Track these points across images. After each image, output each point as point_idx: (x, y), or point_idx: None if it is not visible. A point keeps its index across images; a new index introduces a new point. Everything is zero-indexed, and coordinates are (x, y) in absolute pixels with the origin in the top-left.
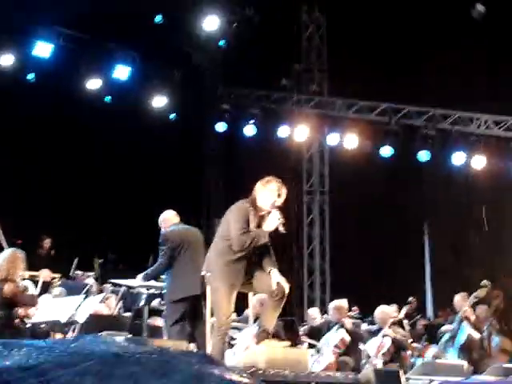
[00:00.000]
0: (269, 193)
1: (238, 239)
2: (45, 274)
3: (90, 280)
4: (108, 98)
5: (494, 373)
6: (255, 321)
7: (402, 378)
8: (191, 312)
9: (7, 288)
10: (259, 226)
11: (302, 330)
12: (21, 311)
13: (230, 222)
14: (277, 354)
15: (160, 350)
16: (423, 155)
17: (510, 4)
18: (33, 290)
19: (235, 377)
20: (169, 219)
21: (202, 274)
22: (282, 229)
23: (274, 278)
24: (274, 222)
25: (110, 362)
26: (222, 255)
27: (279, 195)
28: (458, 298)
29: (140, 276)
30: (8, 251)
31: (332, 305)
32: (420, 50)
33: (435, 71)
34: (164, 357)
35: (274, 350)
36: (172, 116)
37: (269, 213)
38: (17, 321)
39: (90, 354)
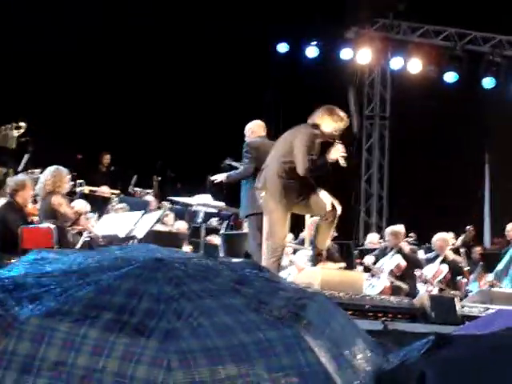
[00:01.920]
0: (334, 122)
1: (304, 161)
2: (104, 190)
3: (149, 197)
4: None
5: None
6: (311, 243)
7: (458, 305)
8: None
9: (54, 198)
10: (321, 154)
11: (358, 254)
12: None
13: (297, 146)
14: (332, 276)
15: (208, 257)
16: (488, 82)
17: None
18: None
19: (283, 282)
20: (256, 130)
21: (258, 193)
22: (343, 162)
23: (325, 199)
24: (336, 153)
25: (151, 267)
26: (281, 177)
27: (344, 125)
28: (510, 228)
29: (222, 174)
30: (51, 168)
31: (389, 230)
32: None
33: None
34: (209, 262)
35: (330, 271)
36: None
37: (331, 144)
38: (72, 232)
39: (133, 259)
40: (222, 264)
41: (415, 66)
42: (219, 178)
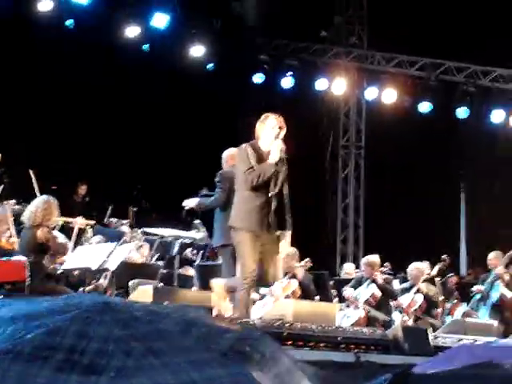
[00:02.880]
0: (269, 129)
1: (246, 178)
2: (79, 221)
3: (125, 227)
4: (146, 47)
5: None
6: (285, 274)
7: (430, 336)
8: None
9: (40, 233)
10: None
11: (333, 284)
12: (52, 259)
13: (236, 168)
14: (304, 308)
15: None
16: (462, 112)
17: None
18: (62, 239)
19: (229, 325)
20: (230, 160)
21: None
22: (283, 154)
23: (282, 247)
24: (276, 151)
25: (99, 310)
26: (243, 203)
27: (280, 128)
28: (492, 256)
29: (194, 200)
30: (42, 198)
31: (364, 260)
32: (461, 5)
33: (476, 27)
34: (157, 307)
35: (302, 303)
36: (210, 66)
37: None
38: (51, 267)
39: (81, 303)
40: (169, 308)
41: (390, 95)
42: (191, 203)
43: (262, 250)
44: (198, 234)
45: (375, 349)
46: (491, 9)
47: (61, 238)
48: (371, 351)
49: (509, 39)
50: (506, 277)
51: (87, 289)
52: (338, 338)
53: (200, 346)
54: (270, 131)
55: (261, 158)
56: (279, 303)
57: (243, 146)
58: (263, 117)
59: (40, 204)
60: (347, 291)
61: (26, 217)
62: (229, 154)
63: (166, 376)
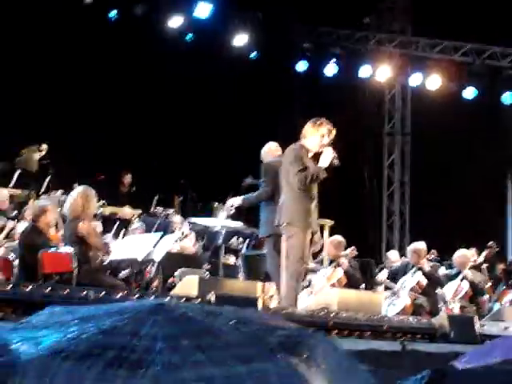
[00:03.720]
0: (319, 136)
1: (298, 178)
2: (126, 212)
3: (175, 217)
4: (189, 37)
5: None
6: (330, 263)
7: (477, 324)
8: None
9: (81, 226)
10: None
11: (379, 271)
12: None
13: (287, 167)
14: (349, 297)
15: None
16: (507, 97)
17: None
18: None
19: (282, 322)
20: (270, 152)
21: (276, 223)
22: (336, 161)
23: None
24: (327, 157)
25: (153, 311)
26: (299, 203)
27: (329, 137)
28: None
29: (239, 198)
30: (80, 188)
31: (410, 247)
32: None
33: None
34: (210, 307)
35: (347, 292)
36: (253, 55)
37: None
38: (98, 259)
39: (138, 306)
40: (221, 309)
41: (434, 82)
42: (236, 202)
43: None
44: (238, 222)
45: (421, 337)
46: None
47: (99, 228)
48: (417, 340)
49: None
50: None
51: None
52: (384, 327)
53: (249, 342)
54: (320, 138)
55: (310, 160)
56: (324, 292)
57: (296, 145)
58: (318, 122)
59: (78, 195)
60: (381, 274)
61: (66, 208)
62: (269, 147)
63: (211, 370)
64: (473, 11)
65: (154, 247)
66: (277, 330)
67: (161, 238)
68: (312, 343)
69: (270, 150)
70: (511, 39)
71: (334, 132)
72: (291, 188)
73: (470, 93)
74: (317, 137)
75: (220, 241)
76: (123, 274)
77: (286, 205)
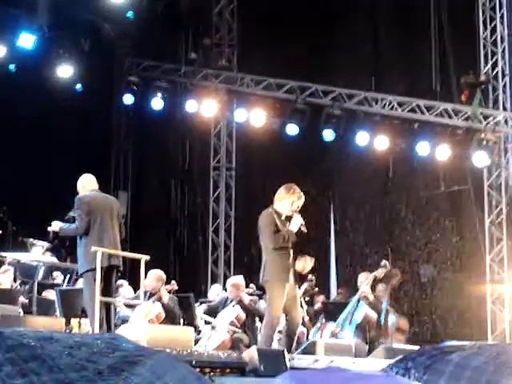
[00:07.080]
0: (290, 202)
1: (274, 238)
2: None
3: None
4: (12, 67)
5: (381, 354)
6: (149, 297)
7: (287, 357)
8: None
9: None
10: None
11: (199, 306)
12: None
13: (263, 230)
14: (159, 332)
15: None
16: (328, 134)
17: None
18: None
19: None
20: (86, 185)
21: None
22: (304, 229)
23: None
24: (297, 224)
25: None
26: (279, 261)
27: (298, 203)
28: (361, 277)
29: (57, 224)
30: None
31: (229, 281)
32: (329, 29)
33: (343, 51)
34: (50, 334)
35: (157, 327)
36: (78, 87)
37: (291, 217)
38: None
39: None
40: (64, 335)
41: (258, 118)
42: (54, 227)
43: (289, 298)
44: (52, 257)
45: (231, 371)
46: (357, 33)
47: None
48: (227, 374)
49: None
50: (370, 297)
51: None
52: (193, 362)
53: (78, 366)
54: (291, 203)
55: (283, 222)
56: (137, 328)
57: (269, 210)
58: (292, 189)
59: None
60: (197, 309)
61: None
62: (85, 179)
63: None
64: (297, 50)
65: None
66: (114, 351)
67: None
68: (149, 363)
69: (85, 183)
70: (332, 78)
71: (302, 199)
72: (267, 247)
73: (293, 129)
74: (288, 202)
75: (39, 276)
76: None
77: (268, 264)
